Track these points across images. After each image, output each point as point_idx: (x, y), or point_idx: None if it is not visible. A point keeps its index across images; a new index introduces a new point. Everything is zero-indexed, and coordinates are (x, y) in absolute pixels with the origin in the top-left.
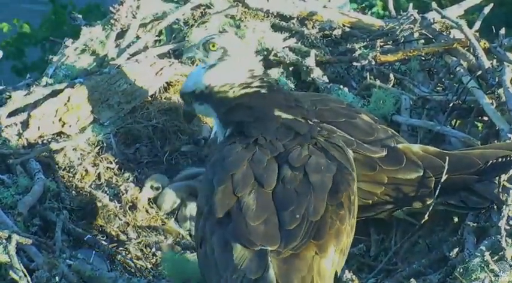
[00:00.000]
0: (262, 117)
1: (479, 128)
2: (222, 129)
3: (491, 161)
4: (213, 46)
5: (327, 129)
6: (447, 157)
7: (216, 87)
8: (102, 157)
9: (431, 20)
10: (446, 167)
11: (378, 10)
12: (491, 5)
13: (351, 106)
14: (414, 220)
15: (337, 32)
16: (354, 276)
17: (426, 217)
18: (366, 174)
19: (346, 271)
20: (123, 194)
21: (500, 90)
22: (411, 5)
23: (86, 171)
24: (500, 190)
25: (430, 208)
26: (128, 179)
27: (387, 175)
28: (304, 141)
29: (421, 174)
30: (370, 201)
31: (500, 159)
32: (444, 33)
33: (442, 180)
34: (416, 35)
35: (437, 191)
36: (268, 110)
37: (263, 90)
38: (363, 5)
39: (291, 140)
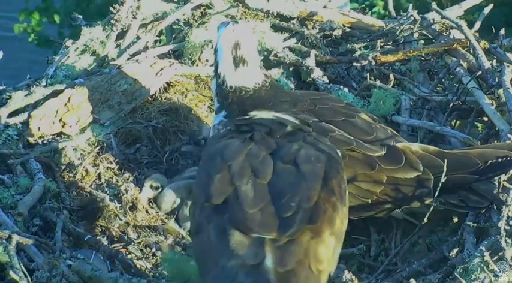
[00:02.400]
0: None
1: (479, 128)
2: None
3: (490, 161)
4: None
5: (321, 129)
6: (446, 157)
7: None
8: (102, 158)
9: (431, 21)
10: (445, 167)
11: (379, 10)
12: (491, 5)
13: (350, 105)
14: (414, 220)
15: (337, 32)
16: (353, 277)
17: (426, 219)
18: (365, 173)
19: (346, 271)
20: (123, 194)
21: (500, 91)
22: (411, 5)
23: (86, 171)
24: (500, 190)
25: (431, 209)
26: (128, 179)
27: (386, 174)
28: (294, 138)
29: (420, 173)
30: (369, 200)
31: (499, 159)
32: (444, 33)
33: (442, 180)
34: (416, 35)
35: (437, 191)
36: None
37: (267, 86)
38: (364, 4)
39: (282, 136)
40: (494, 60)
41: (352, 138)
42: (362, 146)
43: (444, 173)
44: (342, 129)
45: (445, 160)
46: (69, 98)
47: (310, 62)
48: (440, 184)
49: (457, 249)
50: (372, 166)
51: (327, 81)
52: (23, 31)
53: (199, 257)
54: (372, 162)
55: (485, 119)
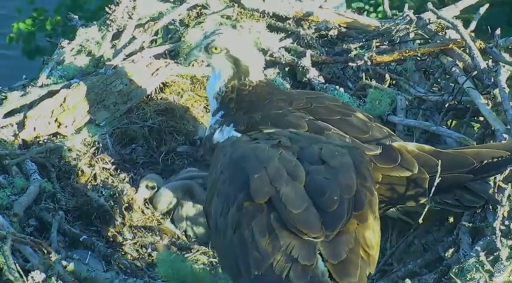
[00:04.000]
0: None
1: (475, 128)
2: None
3: (486, 161)
4: (216, 49)
5: (317, 127)
6: (442, 156)
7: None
8: (98, 158)
9: (427, 21)
10: (439, 167)
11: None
12: (487, 5)
13: (346, 104)
14: (410, 220)
15: (333, 33)
16: None
17: (421, 219)
18: None
19: None
20: (119, 195)
21: (496, 91)
22: (407, 5)
23: (82, 171)
24: (495, 190)
25: (426, 209)
26: (123, 180)
27: (382, 173)
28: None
29: (416, 172)
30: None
31: (495, 159)
32: (440, 33)
33: (437, 180)
34: (412, 35)
35: (432, 190)
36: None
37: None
38: (368, 4)
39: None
40: (490, 60)
41: (347, 136)
42: (358, 145)
43: (439, 173)
44: (337, 127)
45: (440, 160)
46: (64, 99)
47: (306, 62)
48: (435, 184)
49: (452, 249)
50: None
51: (323, 81)
52: (16, 40)
53: (237, 254)
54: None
55: (481, 118)
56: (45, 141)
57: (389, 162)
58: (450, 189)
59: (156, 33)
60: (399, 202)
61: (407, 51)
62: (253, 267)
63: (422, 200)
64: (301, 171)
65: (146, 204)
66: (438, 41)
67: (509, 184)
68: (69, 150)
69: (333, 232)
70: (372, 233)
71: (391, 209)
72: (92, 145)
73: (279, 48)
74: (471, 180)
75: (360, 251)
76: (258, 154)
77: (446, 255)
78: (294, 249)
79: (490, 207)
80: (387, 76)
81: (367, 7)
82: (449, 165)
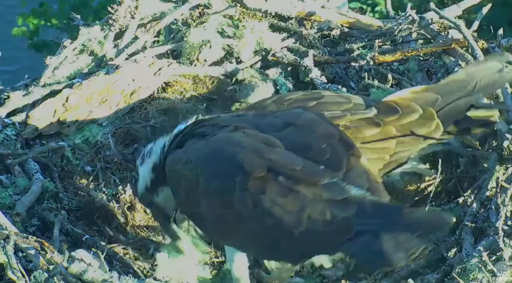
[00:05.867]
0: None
1: None
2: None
3: (478, 79)
4: None
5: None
6: (438, 89)
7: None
8: (100, 158)
9: (430, 20)
10: (440, 99)
11: (382, 9)
12: (490, 5)
13: (311, 93)
14: (428, 168)
15: (336, 32)
16: None
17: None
18: (375, 133)
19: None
20: (121, 194)
21: (498, 90)
22: (409, 5)
23: (84, 171)
24: (498, 190)
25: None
26: (126, 179)
27: (393, 125)
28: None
29: (422, 112)
30: (388, 156)
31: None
32: (442, 33)
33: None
34: (414, 35)
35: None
36: None
37: None
38: (366, 4)
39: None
40: None
41: (339, 111)
42: (356, 113)
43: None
44: (323, 110)
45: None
46: (67, 98)
47: (309, 61)
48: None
49: (455, 249)
50: (377, 124)
51: (325, 81)
52: (22, 35)
53: (269, 228)
54: (375, 121)
55: None
56: (48, 140)
57: (393, 114)
58: (457, 119)
59: (159, 33)
60: (420, 144)
61: (409, 51)
62: (294, 227)
63: (439, 134)
64: (273, 139)
65: None
66: (441, 41)
67: None
68: (72, 149)
69: (342, 171)
70: (370, 165)
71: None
72: (94, 145)
73: (281, 48)
74: (475, 100)
75: (375, 179)
76: (225, 141)
77: (448, 255)
78: (322, 193)
79: (493, 207)
80: (390, 76)
81: (364, 7)
82: (446, 94)
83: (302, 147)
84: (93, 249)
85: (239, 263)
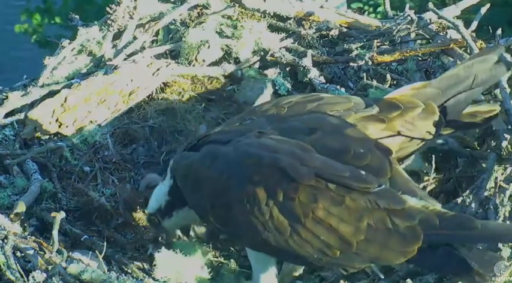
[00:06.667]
0: None
1: None
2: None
3: (474, 75)
4: None
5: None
6: (436, 84)
7: None
8: (98, 158)
9: (428, 21)
10: (441, 94)
11: (383, 9)
12: (488, 5)
13: (309, 95)
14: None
15: (334, 32)
16: None
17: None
18: (381, 130)
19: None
20: (120, 195)
21: (497, 91)
22: (408, 5)
23: (83, 171)
24: (496, 190)
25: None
26: (124, 179)
27: (396, 120)
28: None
29: (423, 106)
30: (394, 152)
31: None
32: (441, 33)
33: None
34: (413, 35)
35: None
36: None
37: None
38: (368, 4)
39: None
40: None
41: (342, 110)
42: (359, 111)
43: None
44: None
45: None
46: (65, 98)
47: (307, 62)
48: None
49: None
50: (382, 120)
51: (324, 81)
52: (24, 31)
53: (325, 237)
54: (379, 117)
55: None
56: (46, 141)
57: (396, 110)
58: (459, 111)
59: (157, 33)
60: (425, 137)
61: (408, 51)
62: (352, 236)
63: (442, 127)
64: (306, 145)
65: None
66: (439, 41)
67: (511, 184)
68: (70, 150)
69: (387, 177)
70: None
71: None
72: (92, 145)
73: (280, 48)
74: (475, 94)
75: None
76: (257, 146)
77: None
78: (377, 200)
79: (492, 207)
80: (388, 76)
81: (366, 8)
82: (445, 88)
83: (338, 152)
84: (92, 249)
85: (269, 275)
